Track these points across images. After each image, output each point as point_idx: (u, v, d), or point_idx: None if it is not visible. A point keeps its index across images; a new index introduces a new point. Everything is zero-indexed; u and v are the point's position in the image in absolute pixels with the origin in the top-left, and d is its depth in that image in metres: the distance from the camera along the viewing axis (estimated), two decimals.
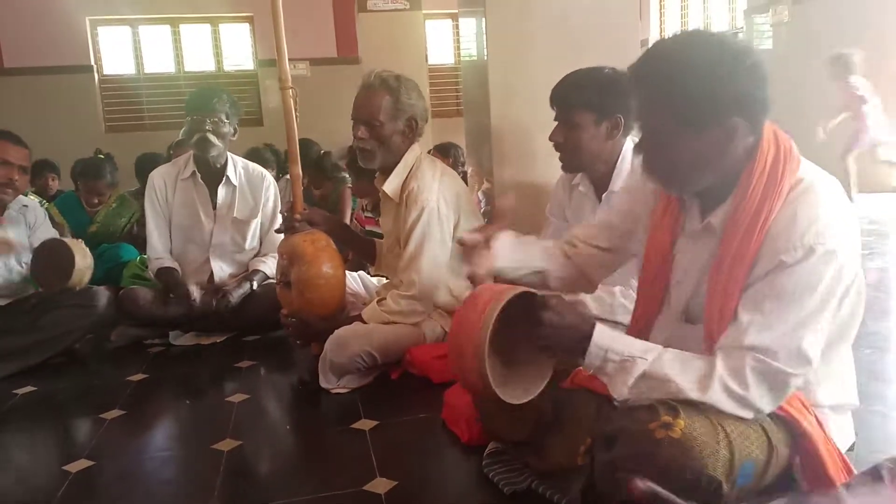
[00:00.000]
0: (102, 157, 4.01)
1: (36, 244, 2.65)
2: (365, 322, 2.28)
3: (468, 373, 1.33)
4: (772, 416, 1.20)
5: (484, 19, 2.72)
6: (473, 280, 1.44)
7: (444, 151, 4.20)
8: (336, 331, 2.23)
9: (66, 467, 1.77)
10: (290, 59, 2.37)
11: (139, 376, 2.46)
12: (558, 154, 2.03)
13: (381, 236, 2.94)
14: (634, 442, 1.12)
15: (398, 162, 2.32)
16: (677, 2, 8.01)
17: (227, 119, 2.82)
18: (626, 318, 2.38)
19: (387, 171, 2.34)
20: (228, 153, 2.93)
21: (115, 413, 2.12)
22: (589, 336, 1.24)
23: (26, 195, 2.90)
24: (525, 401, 1.37)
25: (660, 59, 1.24)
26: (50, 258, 2.58)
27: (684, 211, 1.35)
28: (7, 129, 2.64)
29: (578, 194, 2.16)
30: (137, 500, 1.65)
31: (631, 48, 2.74)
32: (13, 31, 7.12)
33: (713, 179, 1.25)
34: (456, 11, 8.13)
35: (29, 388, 2.37)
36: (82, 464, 1.79)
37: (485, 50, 2.74)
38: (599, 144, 1.99)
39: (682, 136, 1.21)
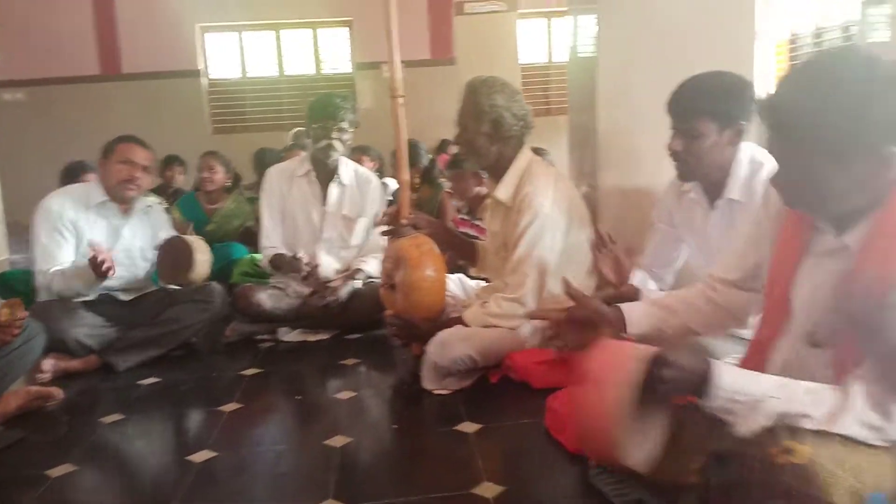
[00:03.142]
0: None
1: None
2: (466, 325, 2.31)
3: (602, 454, 1.34)
4: None
5: (596, 16, 2.65)
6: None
7: None
8: (439, 333, 2.27)
9: (189, 458, 1.87)
10: (382, 62, 2.42)
11: (252, 370, 2.58)
12: (675, 163, 1.97)
13: (475, 239, 2.97)
14: (753, 466, 1.07)
15: (504, 166, 2.34)
16: None
17: (349, 126, 2.98)
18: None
19: (496, 176, 2.37)
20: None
21: (232, 406, 2.24)
22: (705, 377, 1.17)
23: (147, 195, 3.10)
24: (650, 466, 1.32)
25: (802, 88, 1.14)
26: (171, 253, 2.76)
27: (813, 230, 1.28)
28: (123, 130, 2.87)
29: (689, 201, 2.10)
30: (259, 493, 1.74)
31: (745, 50, 2.62)
32: (130, 39, 7.63)
33: (861, 204, 1.18)
34: (550, 10, 8.18)
35: (153, 380, 2.53)
36: (206, 454, 1.89)
37: (595, 49, 2.68)
38: (720, 153, 1.91)
39: (832, 169, 1.13)
